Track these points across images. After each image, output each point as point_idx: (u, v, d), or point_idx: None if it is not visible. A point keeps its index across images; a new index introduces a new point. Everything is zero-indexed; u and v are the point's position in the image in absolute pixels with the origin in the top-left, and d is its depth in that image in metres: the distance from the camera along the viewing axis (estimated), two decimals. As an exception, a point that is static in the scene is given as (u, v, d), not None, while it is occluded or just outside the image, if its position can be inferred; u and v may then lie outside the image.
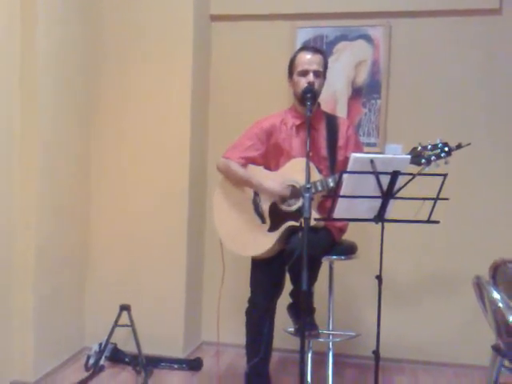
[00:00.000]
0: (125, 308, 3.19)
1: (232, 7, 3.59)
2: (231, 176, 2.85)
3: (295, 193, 2.72)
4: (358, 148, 2.88)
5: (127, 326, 3.19)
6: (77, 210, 3.39)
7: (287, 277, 2.75)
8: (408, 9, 3.39)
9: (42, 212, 3.02)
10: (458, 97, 3.38)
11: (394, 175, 2.30)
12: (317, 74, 2.75)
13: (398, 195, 2.36)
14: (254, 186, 2.80)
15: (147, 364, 3.20)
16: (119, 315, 3.19)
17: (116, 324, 3.18)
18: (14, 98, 2.89)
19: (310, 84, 2.71)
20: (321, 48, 3.26)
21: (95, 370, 3.18)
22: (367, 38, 3.45)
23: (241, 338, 2.94)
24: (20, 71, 2.90)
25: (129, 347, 3.34)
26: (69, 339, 3.37)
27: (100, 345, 3.28)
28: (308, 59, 2.76)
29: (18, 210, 2.94)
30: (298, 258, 2.28)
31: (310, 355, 2.90)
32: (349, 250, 2.91)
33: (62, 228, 3.22)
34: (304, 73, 2.75)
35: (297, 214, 2.65)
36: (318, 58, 2.78)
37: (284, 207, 2.74)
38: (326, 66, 2.82)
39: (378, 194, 2.34)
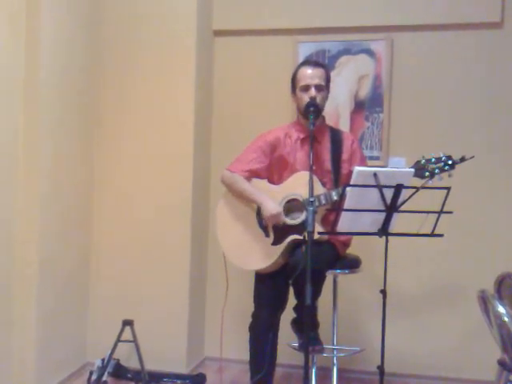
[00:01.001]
0: (128, 323, 3.18)
1: (235, 22, 3.61)
2: (235, 189, 2.85)
3: (299, 206, 2.72)
4: (363, 162, 2.88)
5: (130, 341, 3.17)
6: (79, 224, 3.39)
7: (291, 291, 2.73)
8: (409, 23, 3.41)
9: (44, 225, 3.01)
10: (460, 110, 3.39)
11: (398, 188, 2.30)
12: (319, 88, 2.76)
13: (401, 208, 2.36)
14: (255, 201, 2.79)
15: (150, 380, 3.17)
16: (122, 330, 3.17)
17: (119, 339, 3.17)
18: (17, 110, 2.89)
19: (312, 99, 2.72)
20: (322, 62, 3.29)
21: (98, 385, 3.16)
22: (369, 52, 3.46)
23: (244, 353, 2.92)
24: (23, 83, 2.90)
25: (132, 363, 3.32)
26: (71, 354, 3.35)
27: (103, 360, 3.26)
28: (309, 74, 2.77)
29: (20, 224, 2.93)
30: (301, 272, 2.27)
31: (314, 370, 2.87)
32: (353, 264, 2.89)
33: (64, 242, 3.21)
34: (306, 88, 2.76)
35: (300, 228, 2.65)
36: (319, 71, 2.79)
37: (288, 220, 2.73)
38: (328, 80, 2.83)
39: (382, 207, 2.33)
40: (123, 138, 3.47)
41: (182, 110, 3.40)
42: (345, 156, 2.82)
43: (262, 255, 2.75)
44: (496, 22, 3.30)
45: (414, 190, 2.31)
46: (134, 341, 3.18)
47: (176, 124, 3.41)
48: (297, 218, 2.72)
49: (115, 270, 3.49)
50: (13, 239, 2.92)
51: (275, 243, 2.74)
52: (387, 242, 2.42)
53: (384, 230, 2.40)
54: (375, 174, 2.28)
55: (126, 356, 3.34)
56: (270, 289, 2.81)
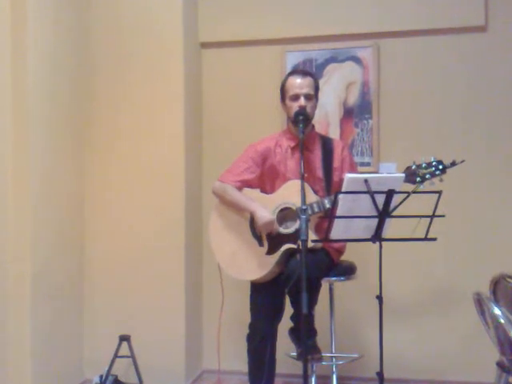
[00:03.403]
0: (124, 338, 3.16)
1: (221, 34, 3.63)
2: (227, 199, 2.85)
3: (292, 214, 2.72)
4: (353, 169, 2.89)
5: (127, 356, 3.15)
6: (72, 239, 3.37)
7: (287, 300, 2.73)
8: (395, 29, 3.43)
9: (37, 240, 2.99)
10: (448, 112, 3.41)
11: (389, 194, 2.31)
12: (308, 97, 2.77)
13: (393, 214, 2.36)
14: (248, 212, 2.79)
15: (149, 395, 3.16)
16: (119, 346, 3.15)
17: (116, 355, 3.14)
18: (5, 122, 2.88)
19: (302, 108, 2.74)
20: (311, 71, 3.30)
21: (96, 403, 3.14)
22: (356, 60, 3.48)
23: (243, 364, 2.91)
24: (11, 90, 2.89)
25: (130, 378, 3.29)
26: (69, 371, 3.32)
27: (101, 377, 3.24)
28: (298, 83, 2.79)
29: (13, 238, 2.91)
30: (297, 280, 2.27)
31: (313, 379, 2.87)
32: (348, 271, 2.90)
33: (57, 258, 3.19)
34: (295, 97, 2.77)
35: (294, 236, 2.65)
36: (307, 81, 2.80)
37: (281, 229, 2.73)
38: (317, 88, 2.85)
39: (374, 213, 2.34)
40: (114, 150, 3.47)
41: (172, 122, 3.40)
42: (336, 163, 2.83)
43: (256, 265, 2.75)
44: (480, 25, 3.33)
45: (405, 195, 2.32)
46: (132, 356, 3.16)
47: (167, 136, 3.41)
48: (290, 227, 2.72)
49: (110, 284, 3.47)
50: (5, 253, 2.89)
51: (270, 252, 2.74)
52: (381, 247, 2.43)
53: (377, 236, 2.41)
54: (366, 181, 2.29)
55: (123, 372, 3.32)
56: (266, 298, 2.81)
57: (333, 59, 3.50)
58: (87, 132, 3.46)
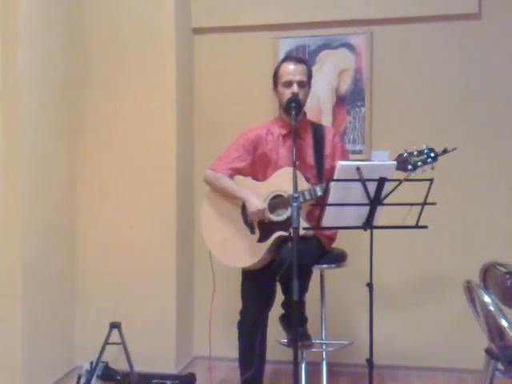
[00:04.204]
0: (115, 326, 3.16)
1: (214, 20, 3.60)
2: (218, 187, 2.84)
3: (283, 202, 2.71)
4: (345, 156, 2.89)
5: (118, 343, 3.15)
6: (63, 227, 3.35)
7: (278, 287, 2.73)
8: (388, 16, 3.41)
9: (28, 229, 2.97)
10: (441, 100, 3.41)
11: (381, 182, 2.30)
12: (301, 84, 2.75)
13: (385, 201, 2.37)
14: (240, 198, 2.79)
15: (139, 381, 3.16)
16: (109, 333, 3.15)
17: (107, 342, 3.14)
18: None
19: (294, 95, 2.72)
20: (304, 57, 3.29)
21: (87, 389, 3.14)
22: (349, 46, 3.47)
23: (234, 351, 2.92)
24: (1, 86, 2.86)
25: (120, 365, 3.30)
26: (59, 359, 3.32)
27: (91, 363, 3.24)
28: (291, 70, 2.76)
29: (2, 227, 2.89)
30: (288, 267, 2.27)
31: (303, 366, 2.87)
32: (339, 258, 2.90)
33: (48, 246, 3.18)
34: (288, 84, 2.75)
35: (286, 224, 2.65)
36: (301, 67, 2.78)
37: (273, 217, 2.73)
38: (310, 76, 2.83)
39: (366, 201, 2.34)
40: (106, 140, 3.44)
41: (163, 109, 3.38)
42: (327, 151, 2.83)
43: (248, 252, 2.75)
44: (474, 13, 3.32)
45: (397, 182, 2.32)
46: (122, 343, 3.16)
47: (158, 123, 3.39)
48: (282, 215, 2.71)
49: (101, 272, 3.46)
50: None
51: (261, 240, 2.74)
52: (372, 235, 2.43)
53: (368, 224, 2.41)
54: (358, 168, 2.28)
55: (114, 358, 3.32)
56: (257, 286, 2.81)
57: (326, 46, 3.48)
58: (79, 122, 3.43)
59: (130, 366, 3.13)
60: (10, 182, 2.90)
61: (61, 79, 3.27)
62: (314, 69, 3.32)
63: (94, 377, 3.19)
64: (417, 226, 2.39)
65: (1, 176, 2.89)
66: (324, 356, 2.95)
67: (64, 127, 3.32)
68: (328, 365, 2.95)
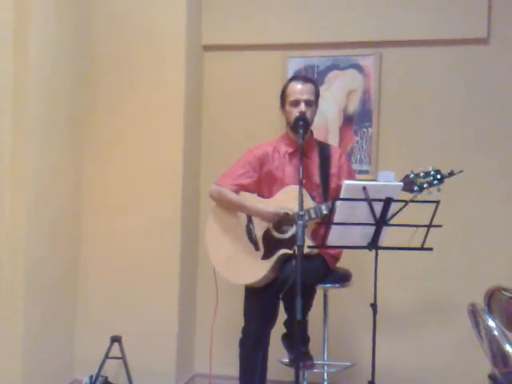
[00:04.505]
0: (116, 339, 3.14)
1: (224, 37, 3.63)
2: (224, 201, 2.84)
3: (289, 220, 2.71)
4: (351, 176, 2.89)
5: (118, 358, 3.13)
6: (66, 238, 3.35)
7: (281, 306, 2.72)
8: (398, 38, 3.44)
9: (31, 237, 2.96)
10: (448, 124, 3.41)
11: (387, 202, 2.30)
12: (308, 103, 2.77)
13: (391, 222, 2.36)
14: (246, 210, 2.79)
15: (139, 397, 3.14)
16: (110, 347, 3.14)
17: (107, 356, 3.13)
18: (4, 118, 2.86)
19: (302, 113, 2.74)
20: (311, 77, 3.31)
21: (85, 403, 3.12)
22: (358, 68, 3.49)
23: (235, 369, 2.89)
24: (12, 91, 2.88)
25: (120, 380, 3.27)
26: (58, 372, 3.29)
27: (91, 377, 3.22)
28: (299, 89, 2.78)
29: (6, 235, 2.89)
30: (291, 286, 2.26)
31: (304, 386, 2.85)
32: (343, 278, 2.89)
33: (50, 257, 3.16)
34: (295, 103, 2.77)
35: (290, 242, 2.64)
36: (308, 87, 2.80)
37: (277, 234, 2.72)
38: (317, 95, 2.85)
39: (372, 221, 2.34)
40: (112, 149, 3.45)
41: (171, 124, 3.39)
42: (333, 170, 2.83)
43: (252, 269, 2.74)
44: (482, 37, 3.34)
45: (403, 203, 2.32)
46: (123, 358, 3.14)
47: (165, 137, 3.40)
48: (287, 232, 2.71)
49: (103, 284, 3.45)
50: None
51: (265, 257, 2.73)
52: (377, 255, 2.42)
53: (374, 244, 2.41)
54: (364, 188, 2.28)
55: (114, 373, 3.30)
56: (259, 303, 2.80)
57: (334, 66, 3.51)
58: (86, 131, 3.45)
59: (130, 381, 3.12)
60: (16, 189, 2.90)
61: (70, 89, 3.29)
62: (323, 89, 3.34)
63: (93, 391, 3.18)
64: (422, 248, 2.38)
65: (8, 183, 2.90)
66: (325, 377, 2.93)
67: (70, 137, 3.33)
68: (329, 386, 2.93)
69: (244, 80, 3.63)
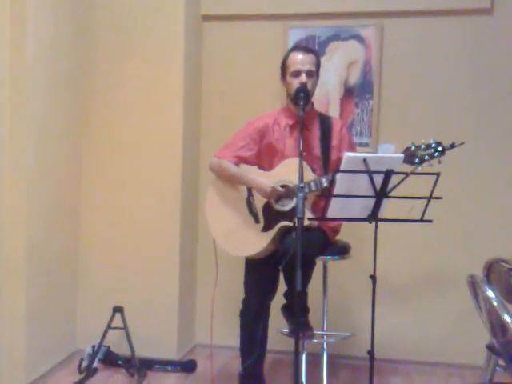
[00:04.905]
0: (118, 310, 3.17)
1: (224, 7, 3.58)
2: (224, 174, 2.84)
3: (289, 192, 2.71)
4: (352, 148, 2.87)
5: (120, 328, 3.17)
6: (67, 212, 3.36)
7: (281, 277, 2.74)
8: (399, 8, 3.39)
9: (32, 213, 2.98)
10: (449, 96, 3.39)
11: (388, 174, 2.30)
12: (309, 73, 2.74)
13: (391, 194, 2.36)
14: (247, 183, 2.78)
15: (141, 366, 3.18)
16: (112, 317, 3.17)
17: (109, 326, 3.16)
18: (2, 104, 2.85)
19: (303, 84, 2.71)
20: (313, 48, 3.27)
21: (88, 372, 3.15)
22: (359, 38, 3.45)
23: (235, 339, 2.93)
24: (8, 72, 2.86)
25: (122, 349, 3.32)
26: (61, 342, 3.34)
27: (93, 347, 3.26)
28: (300, 59, 2.75)
29: (7, 211, 2.90)
30: (291, 258, 2.28)
31: (304, 356, 2.88)
32: (342, 250, 2.90)
33: (52, 229, 3.19)
34: (296, 73, 2.74)
35: (290, 214, 2.64)
36: (310, 57, 2.77)
37: (277, 207, 2.73)
38: (318, 66, 2.81)
39: (372, 193, 2.33)
40: (111, 129, 3.44)
41: (171, 97, 3.37)
42: (334, 142, 2.81)
43: (252, 241, 2.75)
44: (486, 7, 3.29)
45: (403, 175, 2.31)
46: (125, 328, 3.17)
47: (165, 111, 3.38)
48: (287, 205, 2.71)
49: (105, 257, 3.47)
50: (0, 227, 2.89)
51: (265, 229, 2.74)
52: (377, 227, 2.43)
53: (374, 216, 2.41)
54: (365, 160, 2.27)
55: (116, 343, 3.34)
56: (260, 275, 2.81)
57: (335, 37, 3.46)
58: (85, 108, 3.43)
59: (132, 350, 3.15)
60: (14, 166, 2.90)
61: (67, 67, 3.26)
62: (324, 60, 3.31)
63: (96, 360, 3.22)
64: (422, 220, 2.38)
65: (7, 161, 2.89)
66: (325, 347, 2.96)
67: (69, 115, 3.32)
68: (329, 356, 2.96)
69: (244, 51, 3.59)
